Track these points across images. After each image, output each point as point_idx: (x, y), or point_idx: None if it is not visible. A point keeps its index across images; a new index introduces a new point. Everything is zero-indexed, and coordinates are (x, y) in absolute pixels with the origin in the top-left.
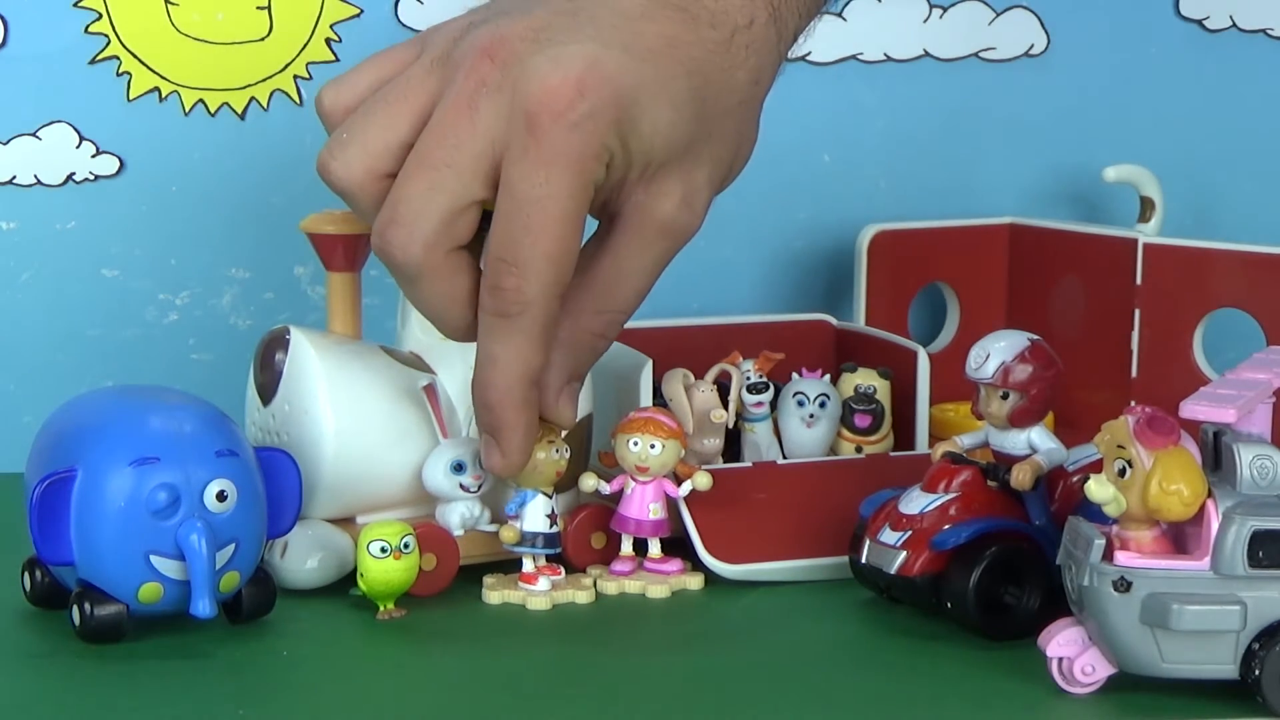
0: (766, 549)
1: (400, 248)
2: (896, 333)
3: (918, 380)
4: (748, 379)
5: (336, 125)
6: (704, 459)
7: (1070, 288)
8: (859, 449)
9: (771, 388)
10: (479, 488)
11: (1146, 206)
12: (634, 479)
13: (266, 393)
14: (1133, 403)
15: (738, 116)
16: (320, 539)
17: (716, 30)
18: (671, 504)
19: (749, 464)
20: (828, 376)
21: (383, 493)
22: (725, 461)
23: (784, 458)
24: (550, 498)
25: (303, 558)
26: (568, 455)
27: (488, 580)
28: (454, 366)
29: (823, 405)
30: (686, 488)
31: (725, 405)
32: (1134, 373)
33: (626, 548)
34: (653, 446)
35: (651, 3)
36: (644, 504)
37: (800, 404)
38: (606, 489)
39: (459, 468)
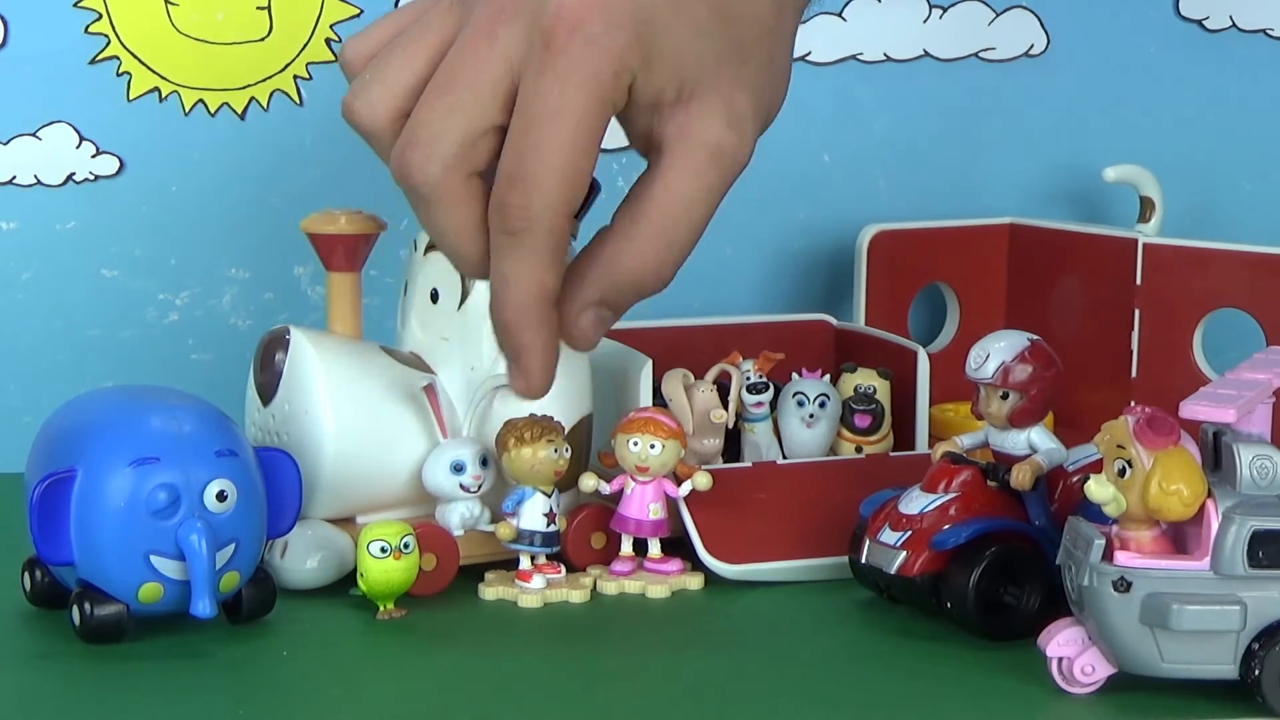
0: (766, 549)
1: (419, 168)
2: (896, 333)
3: (918, 380)
4: (748, 379)
5: (357, 74)
6: (704, 459)
7: (1070, 288)
8: (859, 449)
9: (771, 388)
10: (479, 488)
11: (1146, 207)
12: (634, 479)
13: (266, 393)
14: (1133, 403)
15: (767, 45)
16: (320, 539)
17: None
18: (671, 504)
19: (749, 464)
20: (827, 377)
21: (383, 493)
22: (725, 461)
23: (784, 458)
24: (549, 496)
25: (303, 558)
26: (568, 455)
27: (487, 577)
28: (454, 367)
29: (822, 405)
30: (686, 488)
31: (725, 405)
32: (1134, 373)
33: (626, 548)
34: (652, 446)
35: None
36: (644, 504)
37: (800, 404)
38: (606, 489)
39: (459, 468)
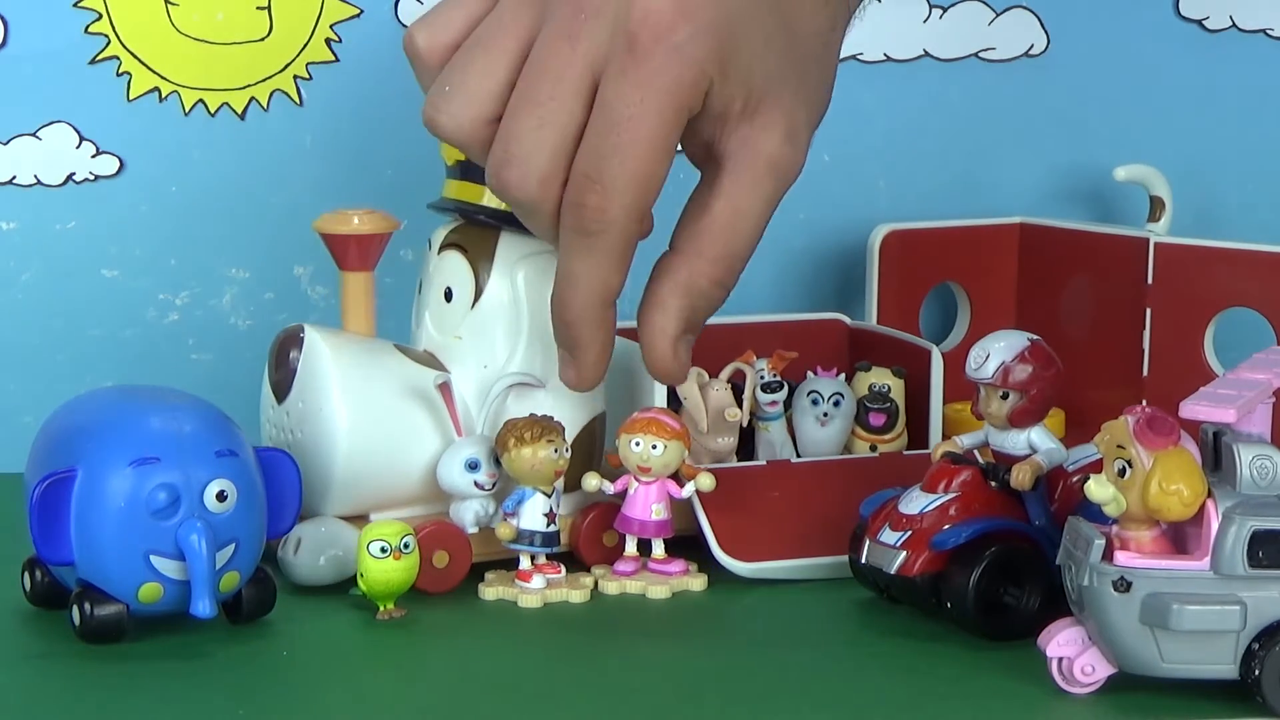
0: (780, 547)
1: (517, 186)
2: (908, 332)
3: (931, 379)
4: (762, 378)
5: (433, 66)
6: (718, 457)
7: (1081, 287)
8: (873, 447)
9: (786, 386)
10: (493, 485)
11: (1156, 206)
12: (636, 479)
13: (281, 390)
14: (1144, 403)
15: (823, 61)
16: (333, 536)
17: None
18: (676, 504)
19: (763, 462)
20: (842, 375)
21: (396, 490)
22: (740, 460)
23: (798, 456)
24: (549, 496)
25: (316, 554)
26: (568, 455)
27: (487, 576)
28: (467, 365)
29: (837, 404)
30: (689, 489)
31: (740, 404)
32: (1145, 372)
33: (630, 548)
34: (655, 447)
35: None
36: (647, 504)
37: (814, 403)
38: (610, 489)
39: (474, 465)
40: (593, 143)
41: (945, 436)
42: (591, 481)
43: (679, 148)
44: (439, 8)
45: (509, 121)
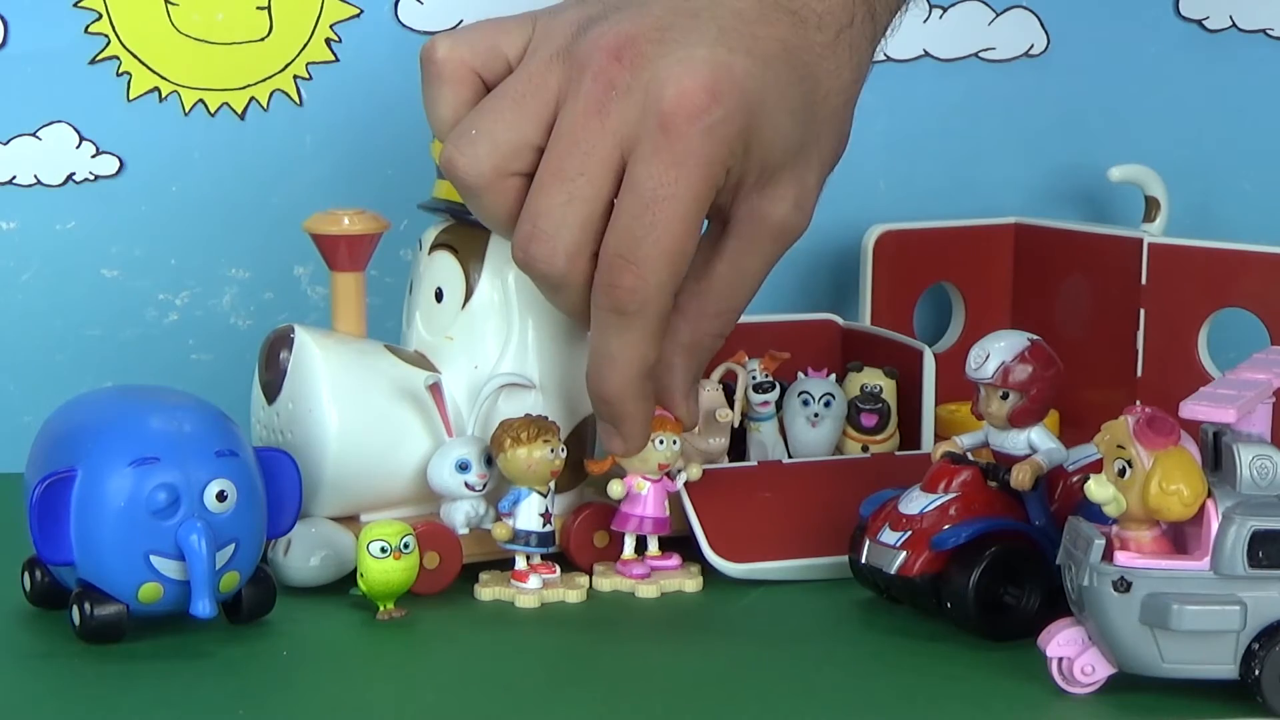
0: (771, 548)
1: (545, 260)
2: (902, 332)
3: (924, 380)
4: (753, 378)
5: (446, 78)
6: (710, 458)
7: (1075, 287)
8: (865, 448)
9: (777, 387)
10: (484, 486)
11: (1151, 206)
12: (645, 477)
13: (271, 391)
14: (1138, 403)
15: (842, 116)
16: (324, 537)
17: (823, 33)
18: (673, 502)
19: (754, 463)
20: (833, 376)
21: (387, 491)
22: (730, 461)
23: (789, 457)
24: (545, 496)
25: (306, 556)
26: (564, 455)
27: (482, 577)
28: (458, 366)
29: (828, 404)
30: (681, 479)
31: (731, 404)
32: (1139, 372)
33: (630, 548)
34: (675, 442)
35: (765, 5)
36: (660, 501)
37: (805, 403)
38: (620, 491)
39: (464, 466)
40: (625, 222)
41: (938, 438)
42: (616, 489)
43: None
44: (468, 28)
45: (536, 197)
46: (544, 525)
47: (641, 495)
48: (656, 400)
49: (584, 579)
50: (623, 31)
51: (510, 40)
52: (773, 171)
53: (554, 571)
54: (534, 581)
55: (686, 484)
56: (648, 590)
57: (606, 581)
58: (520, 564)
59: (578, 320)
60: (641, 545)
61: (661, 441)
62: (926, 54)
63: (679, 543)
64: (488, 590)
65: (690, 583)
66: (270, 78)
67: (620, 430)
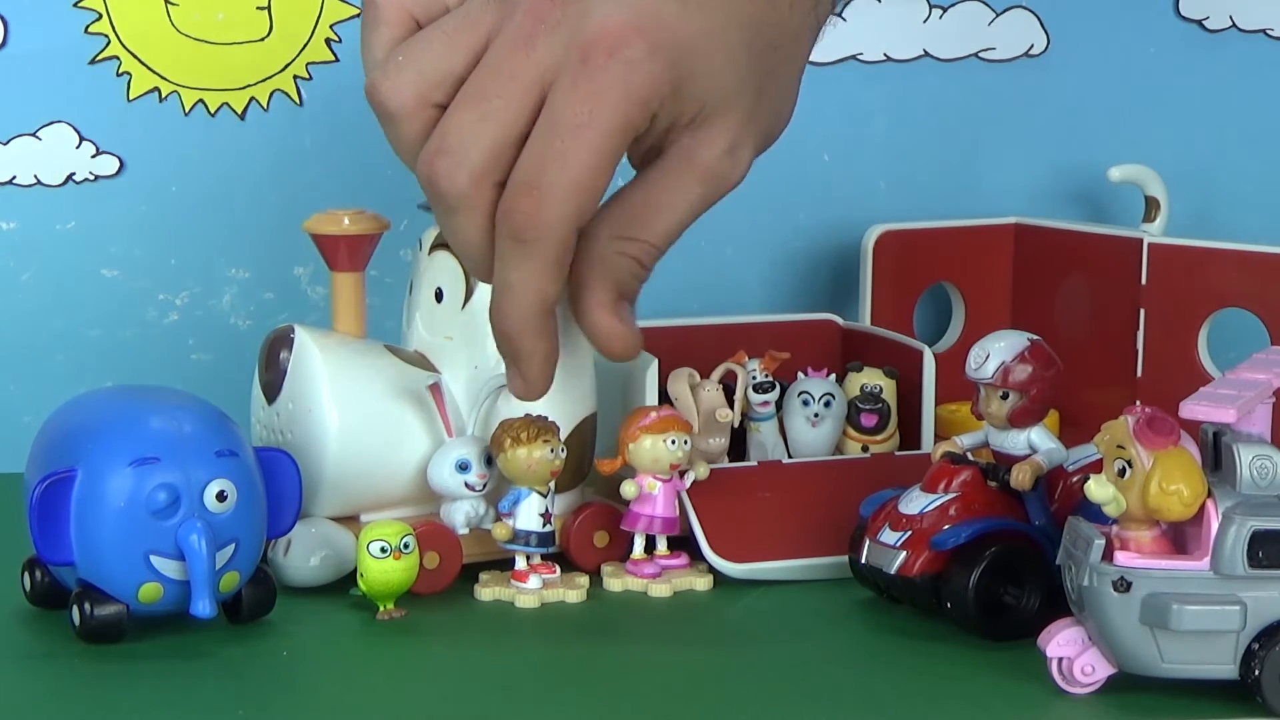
0: (772, 548)
1: (447, 176)
2: (902, 333)
3: (924, 380)
4: (753, 378)
5: (382, 20)
6: (709, 458)
7: (1075, 287)
8: (865, 448)
9: (777, 387)
10: (484, 486)
11: (1151, 206)
12: (657, 477)
13: (271, 391)
14: (1138, 403)
15: (782, 76)
16: (323, 537)
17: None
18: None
19: (754, 463)
20: (833, 376)
21: (386, 491)
22: (731, 461)
23: (789, 457)
24: (545, 496)
25: (306, 555)
26: (564, 455)
27: (482, 577)
28: (458, 366)
29: (827, 405)
30: (689, 479)
31: (731, 405)
32: (1139, 372)
33: (640, 547)
34: (686, 442)
35: None
36: (670, 501)
37: (805, 403)
38: (634, 492)
39: (464, 466)
40: (535, 148)
41: (938, 438)
42: (630, 489)
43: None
44: None
45: (451, 113)
46: (544, 525)
47: (653, 495)
48: (588, 329)
49: (584, 579)
50: None
51: None
52: (707, 115)
53: (554, 571)
54: (534, 581)
55: (696, 482)
56: (660, 589)
57: (617, 581)
58: (520, 564)
59: (472, 261)
60: (649, 545)
61: (673, 441)
62: (926, 54)
63: (679, 542)
64: (488, 590)
65: (700, 581)
66: (270, 78)
67: (519, 368)
